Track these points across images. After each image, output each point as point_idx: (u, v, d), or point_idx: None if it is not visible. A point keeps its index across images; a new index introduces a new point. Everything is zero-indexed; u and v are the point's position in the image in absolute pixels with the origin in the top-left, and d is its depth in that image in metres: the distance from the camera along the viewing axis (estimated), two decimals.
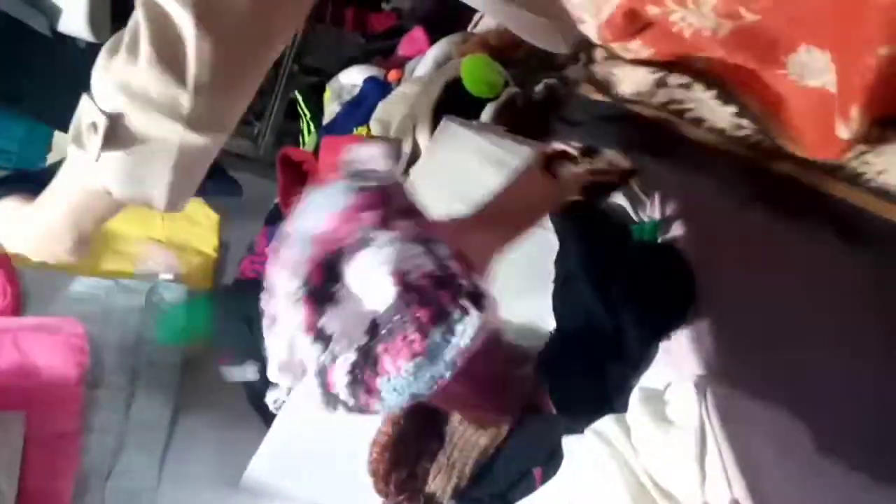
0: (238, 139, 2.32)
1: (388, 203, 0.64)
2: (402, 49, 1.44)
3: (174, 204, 0.69)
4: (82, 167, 0.67)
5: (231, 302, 1.59)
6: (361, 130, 1.16)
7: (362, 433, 1.11)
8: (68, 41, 1.49)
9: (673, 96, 0.55)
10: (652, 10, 0.50)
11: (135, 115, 0.62)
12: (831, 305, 0.76)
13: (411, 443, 1.08)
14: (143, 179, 0.65)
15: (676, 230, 0.90)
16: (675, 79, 0.55)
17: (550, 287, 1.01)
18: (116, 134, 0.63)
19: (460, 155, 0.95)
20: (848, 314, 0.74)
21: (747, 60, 0.52)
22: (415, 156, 1.05)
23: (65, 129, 1.87)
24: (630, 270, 0.88)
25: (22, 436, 1.31)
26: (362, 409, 0.55)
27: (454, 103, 1.04)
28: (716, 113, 0.56)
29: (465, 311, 0.57)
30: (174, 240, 1.85)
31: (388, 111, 1.14)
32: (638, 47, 0.54)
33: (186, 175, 0.67)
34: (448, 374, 0.55)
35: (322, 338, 0.54)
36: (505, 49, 1.21)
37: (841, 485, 0.69)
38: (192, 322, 1.71)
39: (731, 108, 0.55)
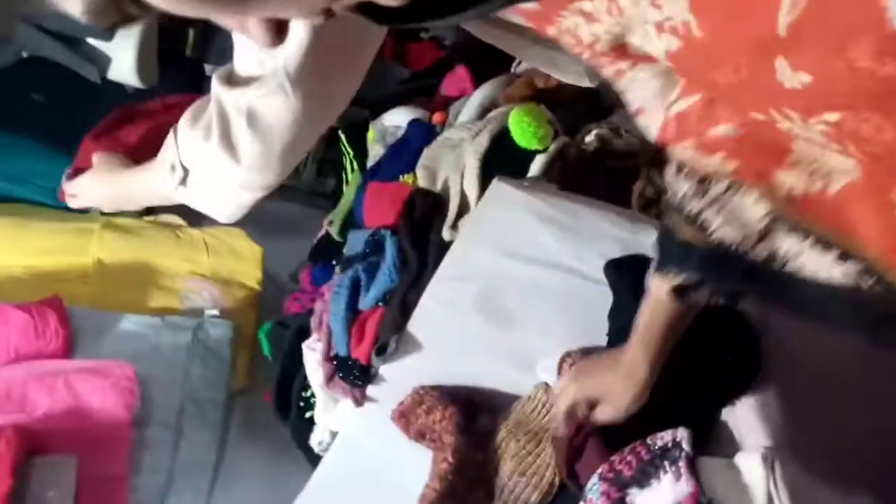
0: None
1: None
2: (446, 89, 1.43)
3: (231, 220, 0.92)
4: (163, 178, 0.90)
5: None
6: (408, 178, 1.15)
7: (409, 481, 1.09)
8: (117, 86, 1.52)
9: (775, 248, 0.50)
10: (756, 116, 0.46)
11: (202, 174, 0.86)
12: None
13: (460, 498, 1.06)
14: (206, 205, 0.91)
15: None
16: (781, 225, 0.49)
17: (602, 341, 0.99)
18: (189, 180, 0.87)
19: (512, 215, 0.94)
20: None
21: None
22: (463, 208, 1.04)
23: None
24: (690, 332, 0.85)
25: (74, 478, 1.33)
26: None
27: (503, 153, 1.02)
28: (820, 263, 0.50)
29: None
30: (219, 274, 1.87)
31: (434, 158, 1.13)
32: (720, 161, 0.49)
33: (241, 212, 0.91)
34: None
35: None
36: (551, 90, 1.20)
37: None
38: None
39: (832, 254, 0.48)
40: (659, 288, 0.68)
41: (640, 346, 0.74)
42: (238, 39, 0.72)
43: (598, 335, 0.99)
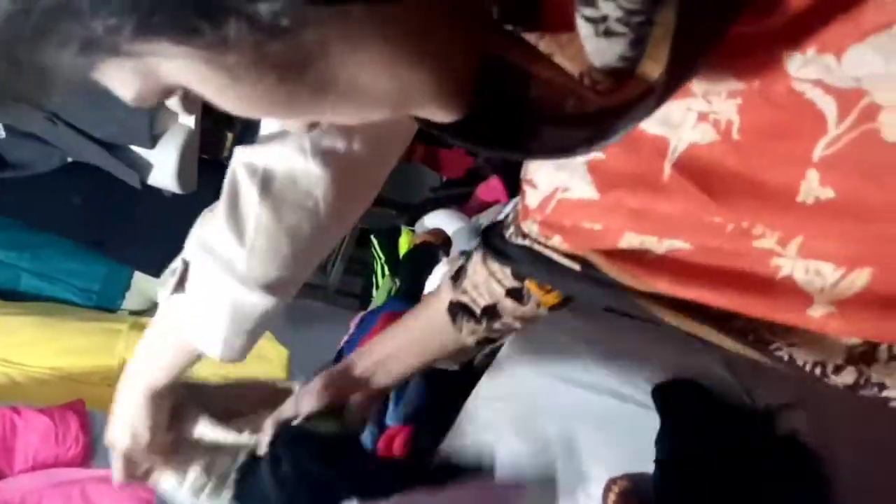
0: None
1: None
2: (481, 195, 1.43)
3: (229, 356, 0.70)
4: (162, 308, 0.73)
5: None
6: None
7: None
8: (155, 191, 1.54)
9: (871, 378, 0.43)
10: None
11: (201, 264, 0.68)
12: None
13: None
14: (203, 326, 0.69)
15: (797, 419, 0.82)
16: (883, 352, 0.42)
17: (649, 467, 0.93)
18: (186, 279, 0.69)
19: (555, 336, 0.91)
20: None
21: None
22: None
23: (145, 269, 1.91)
24: (749, 463, 0.79)
25: None
26: None
27: None
28: None
29: None
30: (243, 378, 1.83)
31: None
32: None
33: (241, 331, 0.69)
34: None
35: None
36: None
37: None
38: None
39: None
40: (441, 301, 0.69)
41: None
42: None
43: (645, 461, 0.93)
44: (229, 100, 0.30)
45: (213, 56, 0.27)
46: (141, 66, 0.28)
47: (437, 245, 1.48)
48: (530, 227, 0.53)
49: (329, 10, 0.27)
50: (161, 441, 0.76)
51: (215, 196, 0.68)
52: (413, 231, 1.56)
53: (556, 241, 0.51)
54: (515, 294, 0.64)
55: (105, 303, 1.88)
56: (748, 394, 0.87)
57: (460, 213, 1.37)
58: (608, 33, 0.30)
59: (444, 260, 1.37)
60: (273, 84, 0.29)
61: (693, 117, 0.40)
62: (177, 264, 0.69)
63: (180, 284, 0.68)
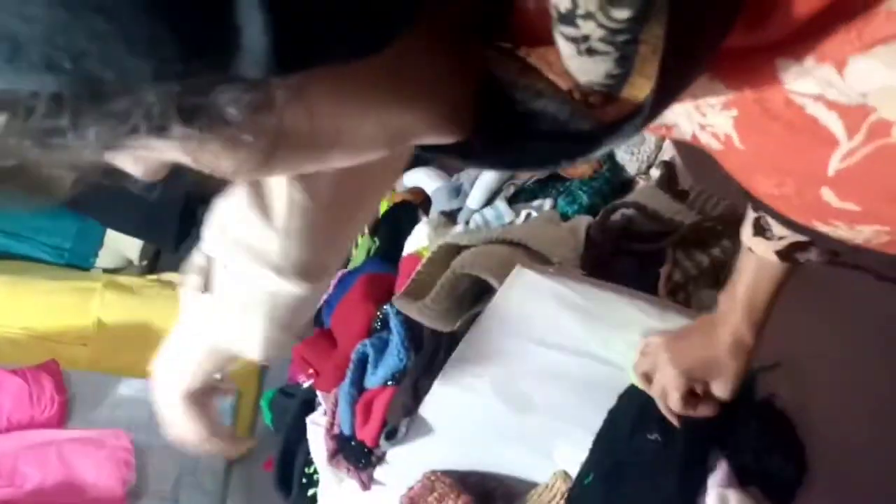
0: None
1: None
2: None
3: (271, 355, 0.66)
4: (187, 307, 0.66)
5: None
6: (423, 251, 1.11)
7: None
8: None
9: None
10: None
11: (227, 259, 0.62)
12: None
13: None
14: (240, 329, 0.63)
15: (775, 382, 0.82)
16: None
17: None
18: (212, 279, 0.62)
19: (536, 302, 0.90)
20: None
21: None
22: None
23: (116, 227, 1.86)
24: (726, 430, 0.80)
25: None
26: None
27: None
28: None
29: None
30: None
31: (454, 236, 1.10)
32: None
33: (281, 326, 0.64)
34: None
35: None
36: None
37: None
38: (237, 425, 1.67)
39: None
40: (764, 251, 0.63)
41: (743, 312, 0.68)
42: None
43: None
44: (226, 174, 0.30)
45: (192, 147, 0.28)
46: (135, 154, 0.29)
47: (416, 204, 1.46)
48: None
49: (296, 79, 0.26)
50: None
51: None
52: (392, 189, 1.54)
53: None
54: None
55: (77, 261, 1.84)
56: None
57: (441, 171, 1.34)
58: (591, 52, 0.28)
59: (424, 220, 1.35)
60: (261, 157, 0.29)
61: (696, 125, 0.38)
62: (200, 260, 0.63)
63: (208, 286, 0.62)
